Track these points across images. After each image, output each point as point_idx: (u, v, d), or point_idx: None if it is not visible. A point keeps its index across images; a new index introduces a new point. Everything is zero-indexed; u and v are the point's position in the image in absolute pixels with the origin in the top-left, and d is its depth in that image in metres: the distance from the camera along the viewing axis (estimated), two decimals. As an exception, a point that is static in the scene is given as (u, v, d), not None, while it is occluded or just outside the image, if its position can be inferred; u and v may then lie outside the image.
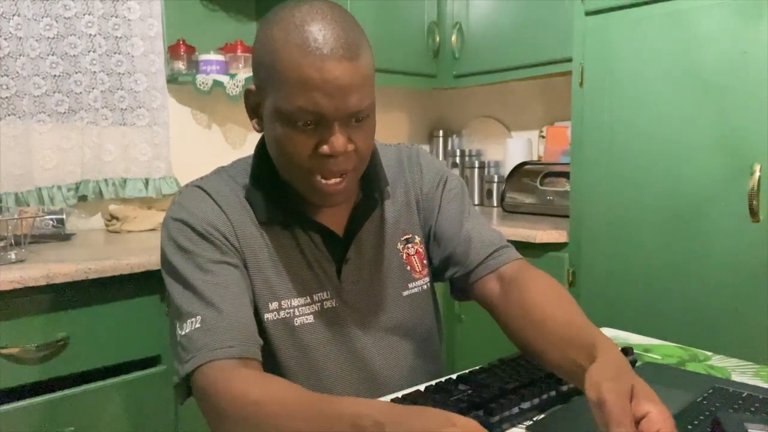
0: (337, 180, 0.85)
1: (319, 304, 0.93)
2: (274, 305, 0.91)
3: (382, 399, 0.84)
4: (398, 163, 1.05)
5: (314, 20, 0.79)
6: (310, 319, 0.93)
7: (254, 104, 0.88)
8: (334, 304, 0.94)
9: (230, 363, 0.79)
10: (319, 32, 0.78)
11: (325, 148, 0.81)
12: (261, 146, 0.95)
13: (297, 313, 0.92)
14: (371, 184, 0.96)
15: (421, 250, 1.04)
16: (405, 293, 1.01)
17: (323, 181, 0.85)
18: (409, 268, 1.02)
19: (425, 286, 1.05)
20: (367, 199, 0.96)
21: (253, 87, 0.88)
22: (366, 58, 0.82)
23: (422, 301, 1.04)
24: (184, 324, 0.82)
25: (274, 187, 0.92)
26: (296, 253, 0.93)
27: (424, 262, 1.04)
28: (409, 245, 1.03)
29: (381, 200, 1.00)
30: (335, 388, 0.94)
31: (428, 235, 1.05)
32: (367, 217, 0.97)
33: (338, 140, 0.81)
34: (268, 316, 0.91)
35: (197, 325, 0.81)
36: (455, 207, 1.05)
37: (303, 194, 0.88)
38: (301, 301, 0.92)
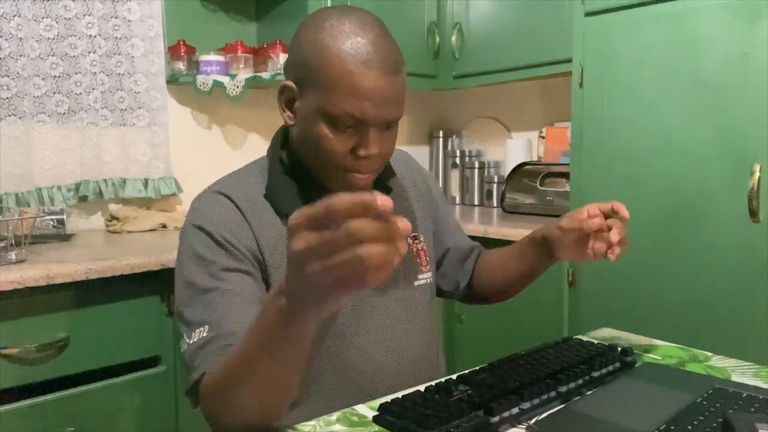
0: (365, 176, 0.92)
1: None
2: None
3: (385, 398, 0.84)
4: (405, 163, 1.14)
5: (365, 32, 0.86)
6: None
7: (288, 99, 0.93)
8: None
9: None
10: (371, 45, 0.85)
11: (362, 152, 0.88)
12: (278, 142, 1.00)
13: None
14: (382, 174, 1.02)
15: (425, 248, 1.10)
16: (416, 283, 1.07)
17: (354, 177, 0.91)
18: (418, 260, 1.08)
19: (430, 280, 1.10)
20: (380, 188, 1.01)
21: (290, 83, 0.91)
22: (405, 72, 0.90)
23: (428, 294, 1.10)
24: (193, 333, 0.84)
25: (294, 180, 0.96)
26: None
27: (428, 258, 1.10)
28: (416, 242, 1.09)
29: (392, 189, 1.06)
30: (343, 378, 0.96)
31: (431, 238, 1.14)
32: None
33: (376, 145, 0.89)
34: None
35: (204, 334, 0.82)
36: (447, 217, 1.20)
37: (331, 186, 0.92)
38: None
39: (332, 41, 0.85)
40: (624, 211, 1.00)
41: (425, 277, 1.08)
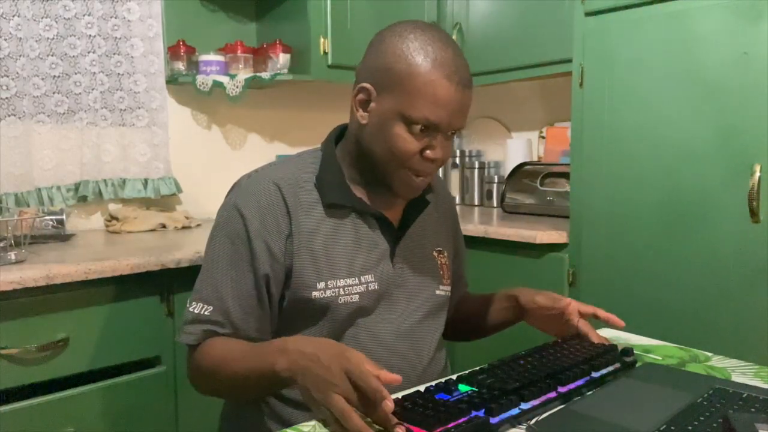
0: (425, 179, 1.01)
1: (365, 285, 1.01)
2: (321, 285, 0.99)
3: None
4: (442, 186, 1.21)
5: (447, 47, 0.95)
6: (355, 299, 1.00)
7: (364, 100, 1.00)
8: (377, 287, 1.02)
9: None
10: (452, 60, 0.94)
11: (429, 154, 0.97)
12: (333, 139, 1.08)
13: (342, 293, 1.00)
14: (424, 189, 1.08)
15: (448, 263, 1.16)
16: (437, 292, 1.12)
17: (416, 177, 1.00)
18: (441, 273, 1.13)
19: (448, 294, 1.15)
20: (419, 198, 1.09)
21: (368, 86, 0.98)
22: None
23: (445, 305, 1.15)
24: (197, 304, 0.98)
25: (344, 177, 1.04)
26: (352, 237, 1.03)
27: (449, 273, 1.15)
28: (441, 255, 1.15)
29: (429, 203, 1.13)
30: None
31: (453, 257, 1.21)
32: (420, 212, 1.10)
33: (444, 150, 0.98)
34: (315, 294, 0.98)
35: (206, 313, 0.97)
36: (462, 244, 1.26)
37: (391, 183, 1.01)
38: (349, 281, 1.00)
39: (419, 52, 0.94)
40: (617, 321, 1.06)
41: (445, 290, 1.14)
